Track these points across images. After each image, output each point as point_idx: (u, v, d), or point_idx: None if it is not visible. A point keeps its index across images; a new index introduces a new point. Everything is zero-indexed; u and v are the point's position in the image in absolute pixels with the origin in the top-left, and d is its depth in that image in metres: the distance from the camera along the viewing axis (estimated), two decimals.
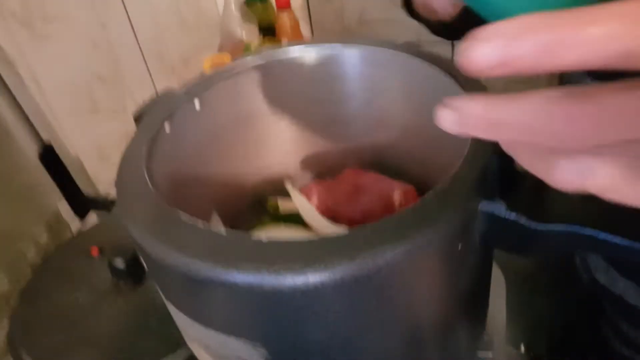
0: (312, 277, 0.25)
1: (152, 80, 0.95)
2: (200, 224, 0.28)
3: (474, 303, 0.35)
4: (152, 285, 0.50)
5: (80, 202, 0.63)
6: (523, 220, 0.27)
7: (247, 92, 0.43)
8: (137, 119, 0.42)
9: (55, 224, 0.67)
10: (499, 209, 0.28)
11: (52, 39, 0.69)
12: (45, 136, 0.63)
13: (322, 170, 0.48)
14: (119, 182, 0.33)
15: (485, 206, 0.28)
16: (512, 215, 0.27)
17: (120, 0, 0.85)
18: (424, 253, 0.26)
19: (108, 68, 0.82)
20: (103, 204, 0.62)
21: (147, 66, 0.93)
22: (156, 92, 0.96)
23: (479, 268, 0.33)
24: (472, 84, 0.35)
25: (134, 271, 0.48)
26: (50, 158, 0.61)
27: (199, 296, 0.29)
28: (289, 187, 0.47)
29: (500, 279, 0.52)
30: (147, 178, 0.32)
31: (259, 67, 0.42)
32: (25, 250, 0.61)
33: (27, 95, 0.62)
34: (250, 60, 0.42)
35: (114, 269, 0.47)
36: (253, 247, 0.27)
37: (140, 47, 0.91)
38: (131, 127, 0.40)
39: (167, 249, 0.28)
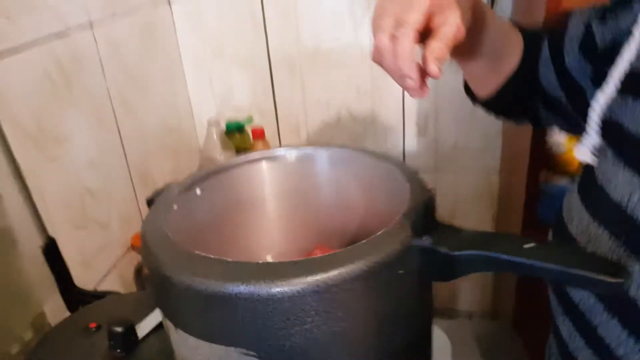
0: (294, 286, 0.35)
1: (137, 197, 1.06)
2: (210, 255, 0.39)
3: (415, 341, 0.45)
4: (144, 353, 0.56)
5: (74, 295, 0.70)
6: (445, 250, 0.39)
7: (239, 183, 0.56)
8: (150, 202, 0.53)
9: (40, 326, 0.72)
10: (427, 242, 0.39)
11: (59, 160, 0.81)
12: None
13: (297, 247, 0.58)
14: (144, 238, 0.43)
15: (417, 242, 0.39)
16: (437, 247, 0.39)
17: (115, 125, 0.99)
18: (372, 273, 0.37)
19: (99, 184, 0.93)
20: (95, 296, 0.68)
21: (132, 185, 1.05)
22: (139, 209, 1.06)
23: (418, 302, 0.43)
24: (413, 174, 0.48)
25: (130, 338, 0.55)
26: (52, 251, 0.69)
27: (208, 312, 0.38)
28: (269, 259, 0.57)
29: (447, 344, 0.61)
30: (167, 232, 0.43)
31: (249, 163, 0.55)
32: (9, 348, 0.66)
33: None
34: (242, 158, 0.55)
35: (112, 334, 0.54)
36: (251, 268, 0.37)
37: (128, 168, 1.03)
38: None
39: (186, 274, 0.37)
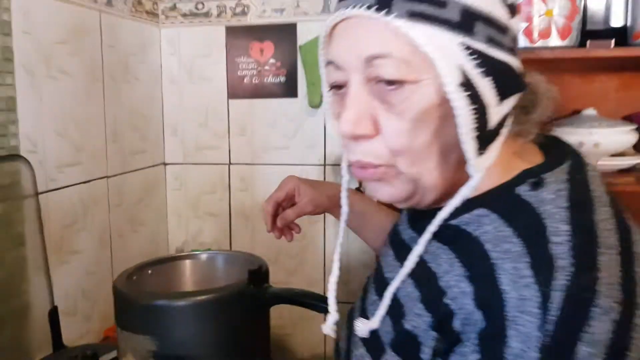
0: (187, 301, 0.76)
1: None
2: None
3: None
4: None
5: (64, 355, 1.06)
6: (258, 291, 0.80)
7: (175, 271, 0.97)
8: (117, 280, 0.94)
9: None
10: (250, 288, 0.81)
11: (70, 264, 1.23)
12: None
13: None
14: (115, 293, 0.84)
15: (245, 287, 0.81)
16: (255, 290, 0.80)
17: (110, 249, 1.42)
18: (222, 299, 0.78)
19: (92, 286, 1.33)
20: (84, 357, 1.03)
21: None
22: None
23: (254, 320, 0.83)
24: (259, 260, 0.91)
25: None
26: (54, 316, 1.07)
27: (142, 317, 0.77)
28: None
29: None
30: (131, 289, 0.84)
31: (183, 258, 0.97)
32: None
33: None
34: (184, 255, 0.98)
35: (84, 357, 0.90)
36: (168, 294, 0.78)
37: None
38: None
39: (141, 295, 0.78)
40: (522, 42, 1.10)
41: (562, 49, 1.10)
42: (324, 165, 1.57)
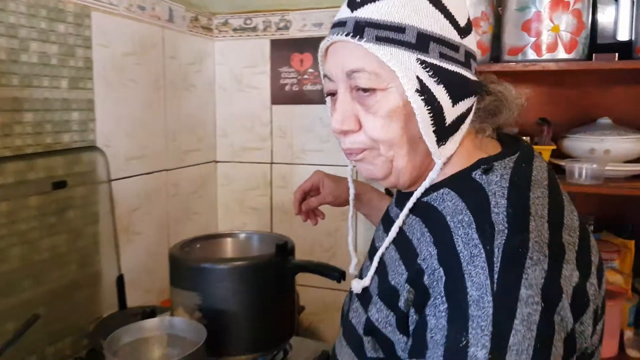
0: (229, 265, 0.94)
1: None
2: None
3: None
4: None
5: (123, 315, 1.26)
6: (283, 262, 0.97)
7: (219, 246, 1.16)
8: (172, 248, 1.14)
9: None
10: (276, 259, 0.98)
11: (134, 243, 1.45)
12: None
13: None
14: (171, 257, 1.04)
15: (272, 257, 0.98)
16: (280, 260, 0.97)
17: (167, 232, 1.63)
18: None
19: (153, 265, 1.54)
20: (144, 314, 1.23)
21: None
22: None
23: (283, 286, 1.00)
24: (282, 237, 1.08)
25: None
26: (121, 282, 1.28)
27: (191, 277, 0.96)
28: None
29: None
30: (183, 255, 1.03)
31: (225, 236, 1.16)
32: (87, 327, 1.22)
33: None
34: (226, 233, 1.17)
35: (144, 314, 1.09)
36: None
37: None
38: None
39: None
40: (530, 55, 1.23)
41: (567, 61, 1.21)
42: (354, 166, 1.73)
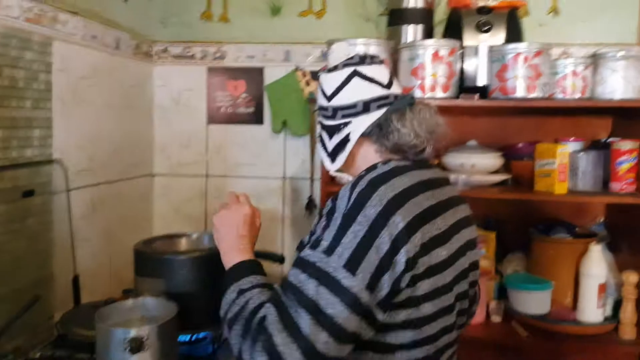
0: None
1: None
2: None
3: None
4: None
5: (81, 308, 1.42)
6: None
7: (173, 244, 1.36)
8: (137, 244, 1.33)
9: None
10: None
11: (81, 250, 1.60)
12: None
13: None
14: (136, 252, 1.23)
15: None
16: None
17: None
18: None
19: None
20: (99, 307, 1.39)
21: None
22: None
23: None
24: None
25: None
26: (76, 282, 1.44)
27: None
28: None
29: None
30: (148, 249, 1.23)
31: (180, 236, 1.36)
32: (48, 322, 1.36)
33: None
34: (181, 233, 1.37)
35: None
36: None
37: None
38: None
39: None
40: (418, 93, 1.58)
41: (442, 99, 1.59)
42: (284, 178, 2.00)
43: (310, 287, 0.80)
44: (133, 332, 0.99)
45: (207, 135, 2.07)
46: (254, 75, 2.01)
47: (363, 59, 1.01)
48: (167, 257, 1.17)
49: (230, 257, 0.98)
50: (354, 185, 0.89)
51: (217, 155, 2.07)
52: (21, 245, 1.35)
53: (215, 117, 2.05)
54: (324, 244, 0.83)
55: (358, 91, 0.99)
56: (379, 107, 0.98)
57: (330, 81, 1.00)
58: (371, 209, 0.84)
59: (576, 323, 1.63)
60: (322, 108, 1.02)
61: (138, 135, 1.98)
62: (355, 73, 0.99)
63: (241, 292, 0.89)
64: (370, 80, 0.99)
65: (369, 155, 0.99)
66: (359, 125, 0.98)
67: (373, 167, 0.94)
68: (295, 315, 0.79)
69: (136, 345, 0.98)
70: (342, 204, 0.87)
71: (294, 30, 2.01)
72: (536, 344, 1.59)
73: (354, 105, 0.98)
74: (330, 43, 1.66)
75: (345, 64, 1.00)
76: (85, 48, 1.62)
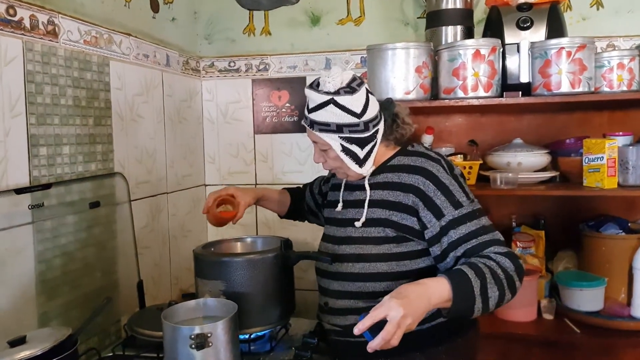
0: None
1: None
2: None
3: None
4: None
5: (146, 311, 1.50)
6: (286, 254, 1.26)
7: (229, 247, 1.43)
8: (196, 249, 1.40)
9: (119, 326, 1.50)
10: (280, 252, 1.27)
11: (142, 256, 1.69)
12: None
13: None
14: (196, 255, 1.31)
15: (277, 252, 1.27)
16: (284, 252, 1.26)
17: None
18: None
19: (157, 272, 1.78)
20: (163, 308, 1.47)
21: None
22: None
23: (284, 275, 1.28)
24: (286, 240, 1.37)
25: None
26: (140, 286, 1.52)
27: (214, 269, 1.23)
28: None
29: None
30: (208, 252, 1.30)
31: (236, 240, 1.43)
32: (111, 328, 1.45)
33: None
34: (237, 238, 1.44)
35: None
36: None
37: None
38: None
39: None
40: (460, 93, 1.59)
41: (486, 98, 1.59)
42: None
43: (484, 220, 1.16)
44: (197, 329, 1.05)
45: (254, 145, 2.14)
46: (296, 84, 2.08)
47: (361, 78, 1.21)
48: (226, 259, 1.24)
49: (439, 294, 1.01)
50: (430, 161, 1.19)
51: (264, 164, 2.14)
52: (89, 253, 1.45)
53: (261, 127, 2.13)
54: (463, 198, 1.16)
55: (374, 104, 1.20)
56: (383, 112, 1.24)
57: (355, 102, 1.16)
58: (456, 168, 1.24)
59: (630, 319, 1.60)
60: (350, 125, 1.16)
61: (190, 147, 2.07)
62: (368, 90, 1.20)
63: (483, 279, 1.04)
64: (372, 94, 1.22)
65: (380, 151, 1.24)
66: (380, 131, 1.22)
67: (415, 152, 1.24)
68: (497, 234, 1.16)
69: (201, 342, 1.04)
70: (435, 176, 1.17)
71: (333, 39, 2.06)
72: (589, 340, 1.57)
73: (377, 116, 1.21)
74: (369, 49, 1.70)
75: (359, 84, 1.18)
76: (138, 67, 1.73)
